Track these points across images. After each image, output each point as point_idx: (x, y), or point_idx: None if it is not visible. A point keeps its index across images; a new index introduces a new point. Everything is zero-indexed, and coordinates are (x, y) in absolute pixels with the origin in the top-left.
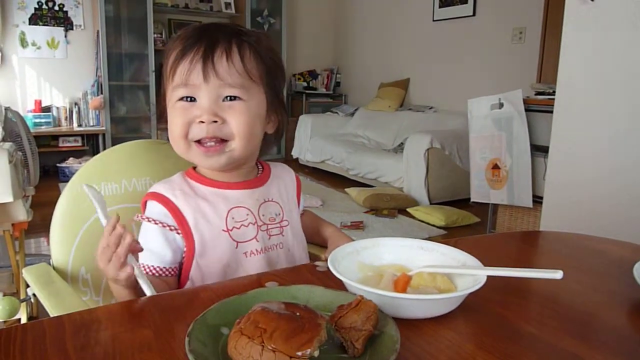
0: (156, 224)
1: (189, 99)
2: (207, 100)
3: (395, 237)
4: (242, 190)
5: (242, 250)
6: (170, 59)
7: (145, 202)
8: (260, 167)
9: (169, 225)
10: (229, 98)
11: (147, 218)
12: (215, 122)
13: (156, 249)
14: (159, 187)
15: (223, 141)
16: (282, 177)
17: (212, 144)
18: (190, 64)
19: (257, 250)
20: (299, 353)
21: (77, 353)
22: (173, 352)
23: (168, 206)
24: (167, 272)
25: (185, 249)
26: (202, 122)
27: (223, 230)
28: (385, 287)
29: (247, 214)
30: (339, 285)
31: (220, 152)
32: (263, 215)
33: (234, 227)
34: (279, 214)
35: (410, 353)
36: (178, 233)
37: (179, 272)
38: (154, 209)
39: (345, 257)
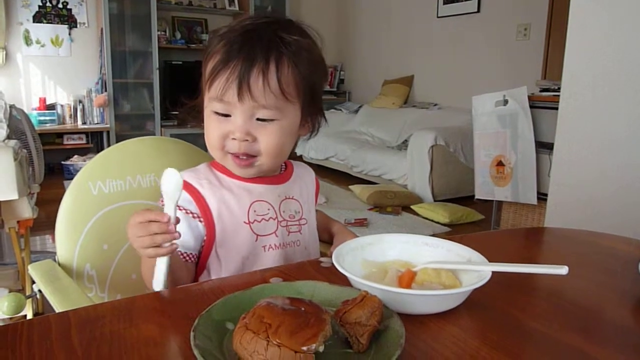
0: (180, 210)
1: (223, 114)
2: (240, 120)
3: (400, 233)
4: (266, 185)
5: (261, 244)
6: (210, 65)
7: None
8: (283, 164)
9: (192, 213)
10: (262, 119)
11: None
12: (247, 140)
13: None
14: (185, 175)
15: (252, 156)
16: (304, 177)
17: (245, 157)
18: (226, 81)
19: (275, 245)
20: (304, 348)
21: (82, 348)
22: (179, 347)
23: (193, 194)
24: (187, 258)
25: (205, 238)
26: (235, 138)
27: (245, 222)
28: (389, 282)
29: (269, 209)
30: (343, 281)
31: (249, 166)
32: (284, 211)
33: (255, 220)
34: (299, 212)
35: (415, 348)
36: (200, 221)
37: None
38: None
39: (350, 253)
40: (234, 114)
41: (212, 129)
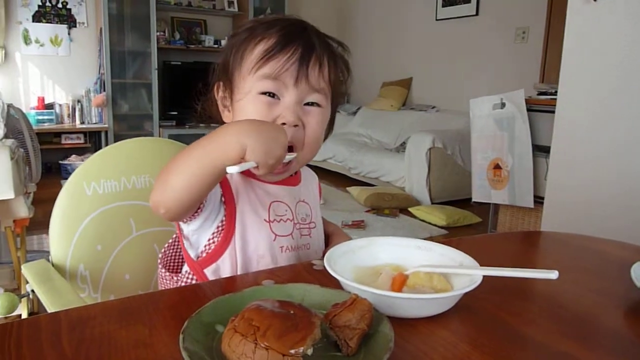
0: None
1: (273, 95)
2: (292, 102)
3: (392, 237)
4: (283, 186)
5: (278, 244)
6: (260, 47)
7: None
8: None
9: (220, 194)
10: (310, 103)
11: None
12: (296, 126)
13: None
14: None
15: (290, 149)
16: (310, 181)
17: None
18: (286, 62)
19: (291, 247)
20: (292, 351)
21: (72, 349)
22: (168, 349)
23: (224, 182)
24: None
25: (224, 225)
26: (284, 123)
27: (265, 220)
28: (381, 286)
29: (286, 210)
30: (335, 284)
31: (286, 170)
32: (298, 214)
33: (274, 220)
34: (309, 215)
35: (405, 352)
36: (222, 202)
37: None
38: None
39: (342, 255)
40: (285, 97)
41: (258, 112)
